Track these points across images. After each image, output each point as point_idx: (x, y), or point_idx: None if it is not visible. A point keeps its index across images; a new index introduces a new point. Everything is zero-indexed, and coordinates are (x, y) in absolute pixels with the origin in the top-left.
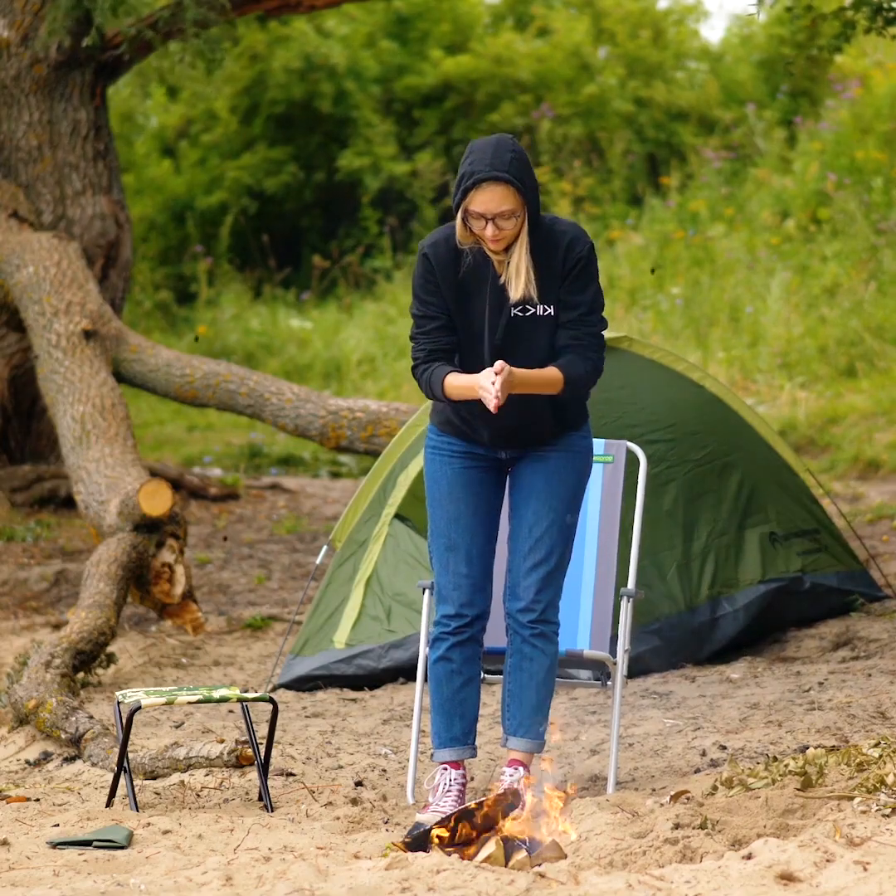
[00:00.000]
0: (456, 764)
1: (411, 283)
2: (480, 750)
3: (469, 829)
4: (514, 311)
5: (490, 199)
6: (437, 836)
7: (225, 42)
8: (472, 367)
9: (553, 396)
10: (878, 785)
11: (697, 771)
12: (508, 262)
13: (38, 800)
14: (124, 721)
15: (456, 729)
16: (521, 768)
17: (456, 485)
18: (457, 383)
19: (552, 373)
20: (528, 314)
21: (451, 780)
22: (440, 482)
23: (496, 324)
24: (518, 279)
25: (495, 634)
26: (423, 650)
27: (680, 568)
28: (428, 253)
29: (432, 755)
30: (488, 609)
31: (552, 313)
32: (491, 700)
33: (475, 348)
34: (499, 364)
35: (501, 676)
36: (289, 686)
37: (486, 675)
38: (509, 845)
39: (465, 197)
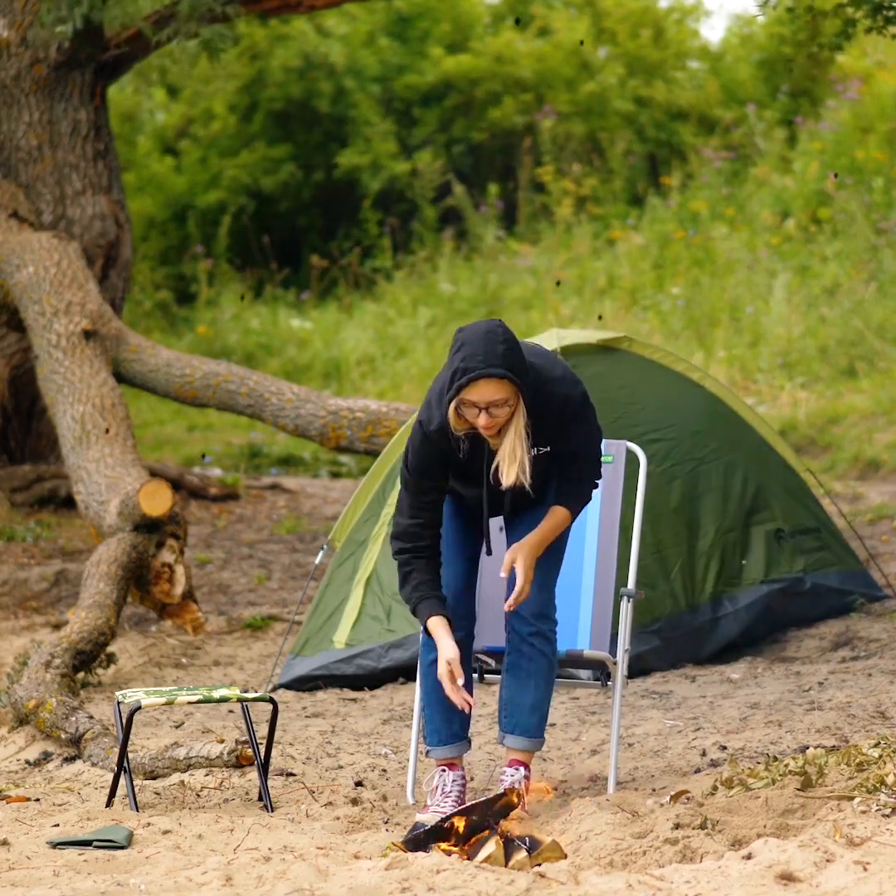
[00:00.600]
0: (454, 765)
1: (407, 454)
2: (480, 750)
3: (469, 829)
4: None
5: (485, 390)
6: (442, 847)
7: (226, 37)
8: (476, 518)
9: (544, 486)
10: (878, 785)
11: (697, 771)
12: (502, 447)
13: (38, 800)
14: (124, 721)
15: (455, 725)
16: (521, 768)
17: None
18: (435, 632)
19: (560, 518)
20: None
21: (450, 781)
22: None
23: (495, 490)
24: (511, 466)
25: (496, 634)
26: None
27: (684, 566)
28: (432, 436)
29: (428, 753)
30: (475, 606)
31: (549, 451)
32: (491, 700)
33: (476, 504)
34: (507, 561)
35: (499, 673)
36: (289, 686)
37: (485, 675)
38: (509, 845)
39: (459, 392)
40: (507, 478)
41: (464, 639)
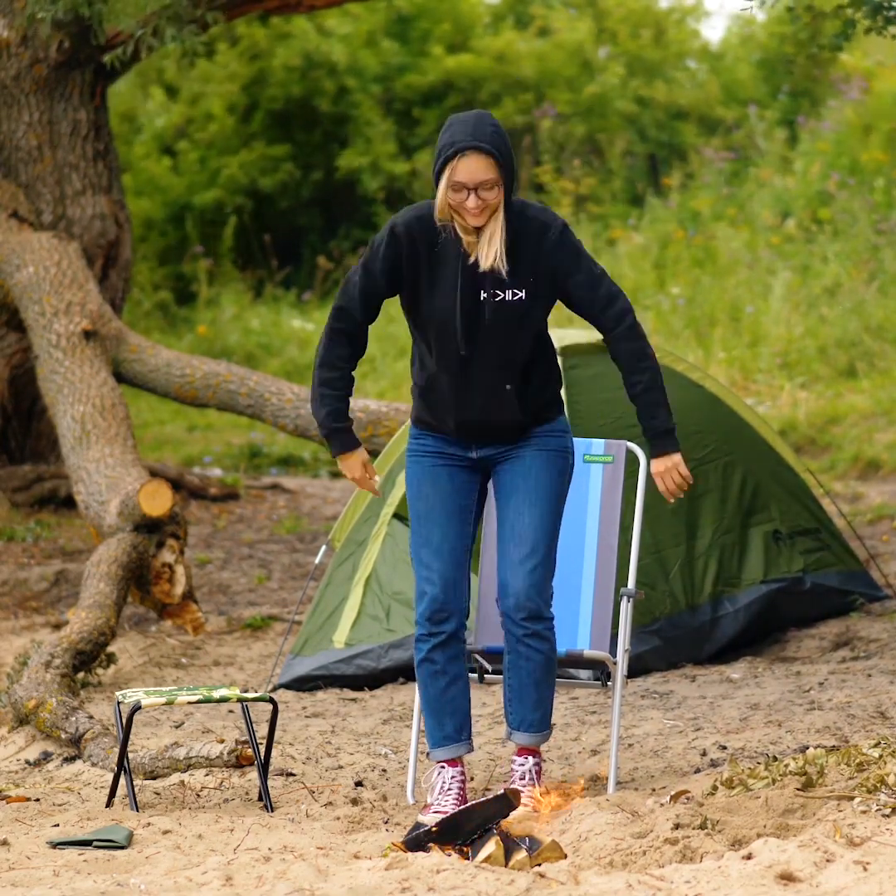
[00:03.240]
0: (453, 762)
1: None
2: (480, 750)
3: (469, 829)
4: (483, 295)
5: (474, 168)
6: (440, 846)
7: (197, 41)
8: (445, 356)
9: (519, 388)
10: (878, 785)
11: (697, 771)
12: (483, 232)
13: (38, 800)
14: (124, 721)
15: (448, 727)
16: (530, 757)
17: (425, 482)
18: (344, 465)
19: (655, 388)
20: (497, 299)
21: (449, 778)
22: (413, 482)
23: (468, 309)
24: (490, 248)
25: (496, 634)
26: None
27: (683, 566)
28: (400, 230)
29: (428, 754)
30: (466, 606)
31: (523, 298)
32: (491, 700)
33: (446, 336)
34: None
35: (499, 673)
36: (289, 686)
37: (486, 675)
38: (509, 845)
39: (445, 167)
40: (486, 260)
41: (455, 632)
